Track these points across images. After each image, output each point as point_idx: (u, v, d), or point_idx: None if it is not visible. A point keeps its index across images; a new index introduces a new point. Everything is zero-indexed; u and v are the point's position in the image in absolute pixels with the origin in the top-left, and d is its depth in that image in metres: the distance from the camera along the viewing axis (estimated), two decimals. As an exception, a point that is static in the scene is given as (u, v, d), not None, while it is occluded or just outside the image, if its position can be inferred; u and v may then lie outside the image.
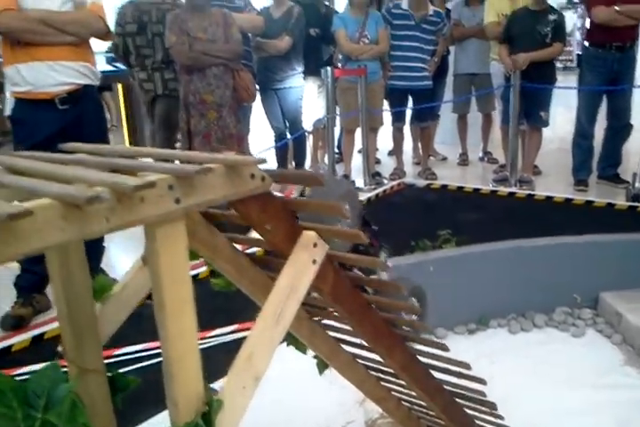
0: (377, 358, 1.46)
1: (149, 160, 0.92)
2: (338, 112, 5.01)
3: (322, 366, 1.54)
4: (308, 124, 5.08)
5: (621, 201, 4.27)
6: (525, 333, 2.78)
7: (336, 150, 5.35)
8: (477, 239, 2.97)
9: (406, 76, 4.98)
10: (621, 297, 2.82)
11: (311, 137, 5.50)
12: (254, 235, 1.11)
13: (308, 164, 5.36)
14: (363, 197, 4.38)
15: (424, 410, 1.70)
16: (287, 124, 4.95)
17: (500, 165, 5.39)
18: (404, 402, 1.72)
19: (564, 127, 5.88)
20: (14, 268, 2.84)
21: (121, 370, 1.15)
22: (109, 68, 5.77)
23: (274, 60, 4.71)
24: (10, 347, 2.53)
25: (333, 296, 1.17)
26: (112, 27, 3.16)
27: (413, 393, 1.56)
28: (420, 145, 5.63)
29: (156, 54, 3.98)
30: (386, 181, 5.13)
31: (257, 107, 4.91)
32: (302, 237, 1.05)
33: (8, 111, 2.81)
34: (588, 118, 4.69)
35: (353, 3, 4.85)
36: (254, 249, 2.31)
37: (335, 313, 1.32)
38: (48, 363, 0.81)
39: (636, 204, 4.16)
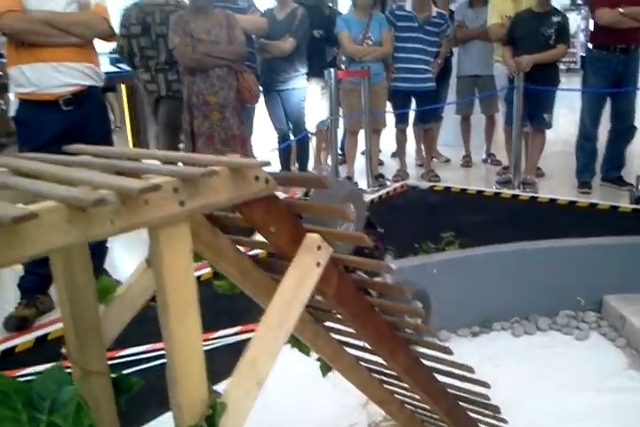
0: (380, 360, 1.45)
1: (154, 162, 0.92)
2: (341, 114, 5.01)
3: (325, 369, 1.54)
4: (311, 125, 5.09)
5: (625, 203, 4.26)
6: (529, 336, 2.76)
7: (339, 152, 5.36)
8: (480, 242, 2.97)
9: (409, 77, 4.98)
10: (625, 300, 2.80)
11: (314, 138, 5.51)
12: (258, 237, 1.11)
13: (311, 165, 5.36)
14: (366, 198, 4.38)
15: (427, 413, 1.69)
16: (290, 126, 4.95)
17: (504, 166, 5.39)
18: (407, 405, 1.72)
19: (567, 129, 5.87)
20: (18, 269, 2.85)
21: (124, 371, 1.15)
22: (113, 69, 5.78)
23: (277, 62, 4.71)
24: (13, 348, 2.53)
25: (337, 299, 1.17)
26: (116, 28, 3.17)
27: (417, 396, 1.56)
28: (423, 147, 5.63)
29: (159, 55, 3.98)
30: (389, 183, 5.13)
31: (260, 108, 4.91)
32: (306, 240, 1.05)
33: (12, 112, 2.82)
34: (591, 120, 4.68)
35: (356, 4, 4.86)
36: (257, 251, 2.30)
37: (338, 316, 1.32)
38: (53, 364, 0.81)
39: (639, 206, 4.15)
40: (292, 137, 4.96)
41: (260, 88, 4.43)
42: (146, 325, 1.33)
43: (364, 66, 4.76)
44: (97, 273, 1.08)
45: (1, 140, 6.04)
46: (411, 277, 2.19)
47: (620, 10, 4.29)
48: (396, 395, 1.66)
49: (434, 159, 5.76)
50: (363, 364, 1.53)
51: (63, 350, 1.08)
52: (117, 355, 2.29)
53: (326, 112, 4.93)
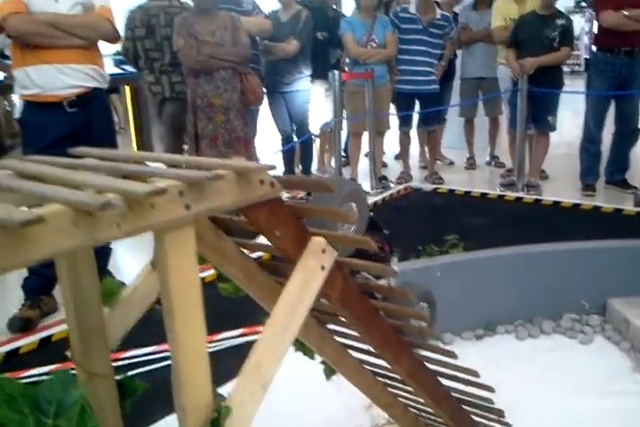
0: (384, 364, 1.45)
1: (159, 166, 0.92)
2: (345, 116, 5.01)
3: (329, 372, 1.54)
4: (314, 127, 5.09)
5: (629, 206, 4.24)
6: (533, 339, 2.76)
7: (343, 154, 5.36)
8: (484, 244, 2.96)
9: (413, 80, 4.98)
10: (630, 304, 2.80)
11: (318, 140, 5.51)
12: (262, 239, 1.11)
13: (314, 167, 5.37)
14: (369, 201, 4.38)
15: (431, 417, 1.69)
16: (294, 128, 4.95)
17: (508, 169, 5.38)
18: (410, 408, 1.71)
19: (571, 132, 5.86)
20: (22, 270, 2.85)
21: (129, 373, 1.15)
22: (117, 70, 5.80)
23: (281, 64, 4.72)
24: (17, 349, 2.53)
25: (341, 302, 1.17)
26: (120, 30, 3.18)
27: (421, 400, 1.55)
28: (426, 149, 5.62)
29: (164, 57, 3.99)
30: (392, 185, 5.12)
31: (264, 110, 4.92)
32: (311, 243, 1.05)
33: (17, 114, 2.83)
34: (595, 123, 4.67)
35: (361, 6, 4.86)
36: (259, 253, 2.30)
37: (342, 319, 1.32)
38: (58, 365, 0.81)
39: (643, 209, 4.14)
40: (295, 139, 4.96)
41: (264, 90, 4.44)
42: (151, 327, 1.33)
43: (367, 68, 4.76)
44: (100, 274, 1.08)
45: (7, 142, 6.07)
46: (415, 279, 2.19)
47: (625, 12, 4.29)
48: (399, 398, 1.65)
49: (437, 161, 5.75)
50: (367, 367, 1.53)
51: (68, 353, 1.08)
52: (122, 356, 2.29)
53: (330, 114, 4.93)
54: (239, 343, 2.45)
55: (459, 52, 5.66)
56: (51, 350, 2.52)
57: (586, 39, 13.67)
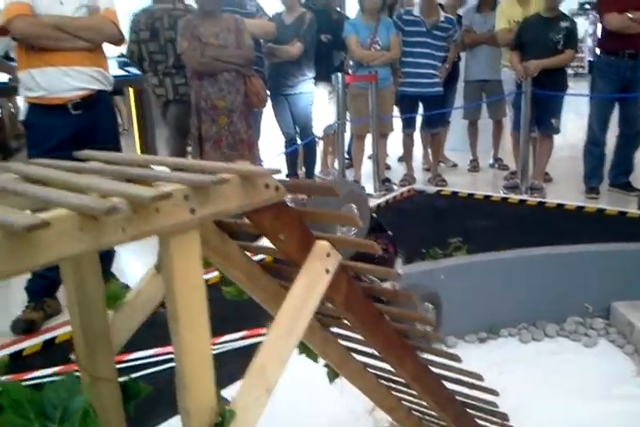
0: (388, 367, 1.45)
1: (164, 169, 0.92)
2: (348, 118, 5.02)
3: (332, 375, 1.54)
4: (318, 129, 5.09)
5: (633, 209, 4.24)
6: (536, 342, 2.75)
7: (346, 156, 5.36)
8: (488, 247, 2.96)
9: (417, 82, 4.98)
10: (634, 307, 2.79)
11: (321, 143, 5.51)
12: (265, 242, 1.11)
13: (317, 169, 5.36)
14: (372, 203, 4.38)
15: (435, 420, 1.69)
16: (297, 130, 4.96)
17: (511, 171, 5.38)
18: (414, 412, 1.71)
19: (575, 134, 5.85)
20: (25, 272, 2.86)
21: (133, 375, 1.15)
22: (121, 72, 5.81)
23: (285, 66, 4.72)
24: (21, 351, 2.54)
25: (346, 306, 1.17)
26: (125, 33, 3.18)
27: (424, 403, 1.55)
28: (430, 151, 5.62)
29: (168, 60, 4.00)
30: (396, 188, 5.13)
31: (268, 112, 4.92)
32: (316, 247, 1.05)
33: (21, 116, 2.84)
34: (599, 126, 4.67)
35: (364, 9, 4.86)
36: (261, 256, 2.30)
37: (347, 322, 1.32)
38: (62, 367, 0.81)
39: (647, 212, 4.14)
40: (299, 141, 4.96)
41: (268, 92, 4.44)
42: (155, 330, 1.33)
43: (371, 70, 4.77)
44: (104, 277, 1.08)
45: (12, 144, 6.08)
46: (419, 282, 2.18)
47: (629, 15, 4.28)
48: (403, 402, 1.65)
49: (441, 164, 5.75)
50: (370, 370, 1.53)
51: (72, 356, 1.08)
52: (126, 358, 2.29)
53: (333, 116, 4.94)
54: (242, 346, 2.45)
55: (462, 55, 5.67)
56: (54, 352, 2.52)
57: (590, 42, 13.65)
